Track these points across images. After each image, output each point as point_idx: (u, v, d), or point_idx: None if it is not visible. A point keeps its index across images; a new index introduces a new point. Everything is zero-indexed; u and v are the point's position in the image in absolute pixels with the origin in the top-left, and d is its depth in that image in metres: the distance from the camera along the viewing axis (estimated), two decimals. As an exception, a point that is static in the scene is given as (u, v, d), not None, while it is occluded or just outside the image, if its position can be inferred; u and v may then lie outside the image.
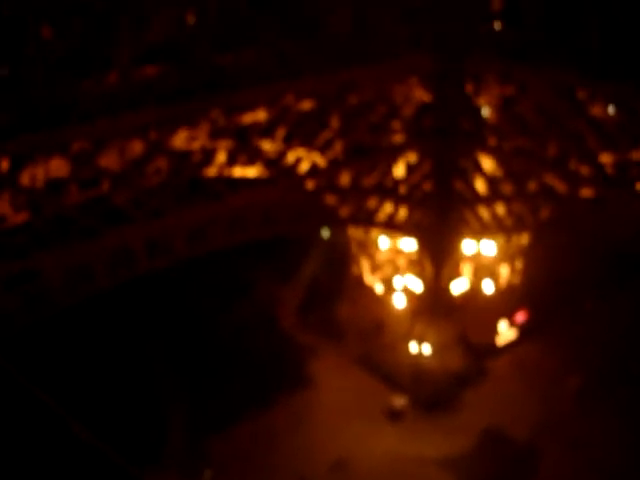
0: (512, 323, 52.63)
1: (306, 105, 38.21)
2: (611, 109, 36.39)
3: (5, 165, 29.53)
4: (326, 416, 45.82)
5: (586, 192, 38.16)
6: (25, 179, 30.92)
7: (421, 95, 42.23)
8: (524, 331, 53.05)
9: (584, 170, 37.03)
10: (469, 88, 41.22)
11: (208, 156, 35.92)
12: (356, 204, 44.12)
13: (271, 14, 32.55)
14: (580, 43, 34.28)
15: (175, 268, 37.15)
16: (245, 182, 36.59)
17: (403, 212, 46.40)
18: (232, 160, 35.91)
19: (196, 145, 35.21)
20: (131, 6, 28.00)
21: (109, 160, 33.10)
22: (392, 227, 47.55)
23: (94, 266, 32.64)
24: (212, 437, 44.05)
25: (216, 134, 34.20)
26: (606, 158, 36.68)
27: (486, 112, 41.96)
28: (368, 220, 45.67)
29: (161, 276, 39.12)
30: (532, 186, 41.52)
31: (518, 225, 44.43)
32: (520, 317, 53.13)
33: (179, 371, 48.58)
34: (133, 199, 32.98)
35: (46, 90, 27.59)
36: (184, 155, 34.84)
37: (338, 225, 50.29)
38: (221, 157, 37.45)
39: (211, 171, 35.84)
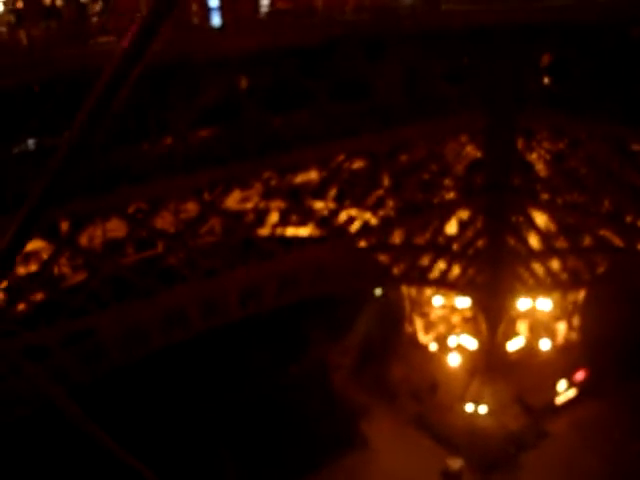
0: (571, 382, 51.22)
1: (357, 164, 38.65)
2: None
3: (65, 226, 30.45)
4: (380, 478, 44.92)
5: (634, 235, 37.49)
6: (84, 240, 31.80)
7: (472, 152, 42.39)
8: (584, 390, 51.55)
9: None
10: (520, 143, 41.24)
11: (261, 216, 36.48)
12: (409, 262, 44.00)
13: (322, 78, 33.26)
14: (630, 95, 34.11)
15: (229, 327, 37.35)
16: (297, 241, 36.91)
17: (456, 269, 46.11)
18: (284, 220, 36.34)
19: (249, 205, 35.80)
20: (186, 72, 28.96)
21: (164, 221, 33.88)
22: (445, 285, 47.21)
23: (149, 326, 33.07)
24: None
25: (268, 194, 34.73)
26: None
27: (538, 167, 41.81)
28: (421, 278, 45.43)
29: (215, 336, 39.29)
30: (587, 241, 40.93)
31: (574, 281, 43.64)
32: (579, 376, 51.72)
33: (232, 433, 48.34)
34: (187, 259, 33.52)
35: (105, 153, 28.50)
36: (237, 215, 35.43)
37: (391, 283, 50.15)
38: (274, 217, 37.99)
39: (264, 231, 36.32)
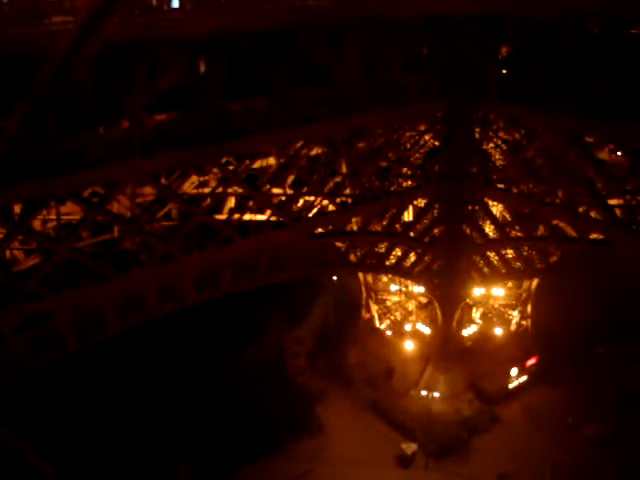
0: (523, 368, 52.18)
1: (316, 151, 38.62)
2: (619, 153, 36.63)
3: (18, 210, 29.89)
4: (336, 463, 45.20)
5: (595, 235, 38.17)
6: (37, 224, 31.26)
7: (430, 140, 42.63)
8: (535, 376, 52.57)
9: (593, 213, 37.09)
10: (477, 133, 41.61)
11: (218, 201, 36.25)
12: (366, 249, 44.20)
13: (281, 64, 33.05)
14: (587, 88, 34.60)
15: (185, 312, 37.13)
16: (255, 227, 36.77)
17: (413, 257, 46.46)
18: (242, 205, 36.16)
19: (206, 190, 35.55)
20: (144, 54, 28.50)
21: (121, 205, 33.46)
22: (402, 272, 47.55)
23: (104, 311, 32.68)
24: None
25: (226, 180, 34.49)
26: (615, 201, 36.80)
27: (495, 157, 42.26)
28: (378, 265, 45.67)
29: (170, 320, 39.03)
30: (541, 230, 41.58)
31: (528, 269, 44.30)
32: (531, 362, 52.71)
33: (187, 418, 48.15)
34: (143, 244, 33.18)
35: (59, 136, 27.96)
36: (194, 200, 35.15)
37: (348, 270, 50.31)
38: (231, 202, 37.80)
39: (221, 216, 36.09)
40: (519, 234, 42.64)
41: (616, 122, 33.82)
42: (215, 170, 34.92)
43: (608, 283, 41.33)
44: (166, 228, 34.75)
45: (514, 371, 51.58)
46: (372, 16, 34.62)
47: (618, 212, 36.76)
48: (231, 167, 34.96)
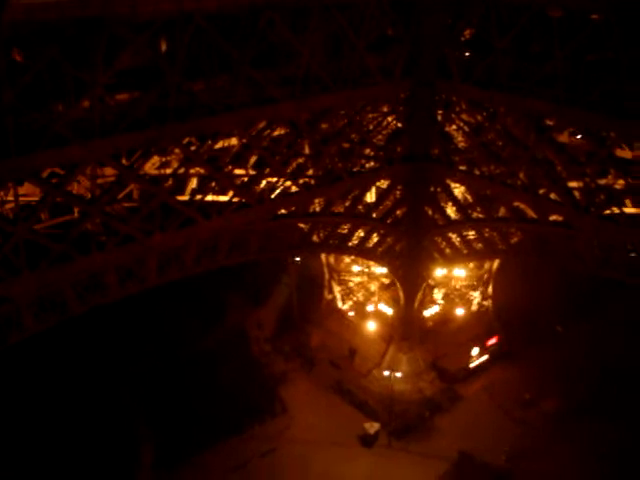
0: (484, 347, 52.90)
1: (278, 132, 38.39)
2: (579, 136, 37.06)
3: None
4: (300, 443, 45.52)
5: (555, 217, 38.65)
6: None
7: (393, 122, 42.66)
8: (496, 355, 53.36)
9: (553, 196, 37.54)
10: (440, 115, 41.75)
11: (180, 182, 35.90)
12: (328, 230, 44.23)
13: (245, 44, 32.72)
14: (548, 72, 34.87)
15: (147, 293, 36.89)
16: (217, 208, 36.52)
17: (375, 238, 46.62)
18: (204, 186, 35.88)
19: (168, 171, 35.16)
20: (104, 32, 28.00)
21: (81, 186, 32.97)
22: (364, 253, 47.70)
23: (65, 293, 32.29)
24: (183, 466, 43.60)
25: (188, 160, 34.16)
26: (574, 184, 37.28)
27: (457, 139, 42.48)
28: (340, 246, 45.76)
29: (133, 302, 38.79)
30: (502, 211, 42.01)
31: (489, 250, 44.76)
32: (492, 341, 53.46)
33: (150, 399, 48.07)
34: (104, 225, 32.77)
35: (17, 115, 27.39)
36: (156, 181, 34.75)
37: (311, 251, 50.32)
38: (193, 183, 37.49)
39: (183, 197, 35.79)
40: (480, 215, 43.00)
41: (576, 106, 34.23)
42: (177, 150, 34.54)
43: (567, 264, 41.96)
44: (127, 209, 34.37)
45: (475, 350, 52.28)
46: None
47: (577, 194, 37.27)
48: (193, 147, 34.58)
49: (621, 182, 35.03)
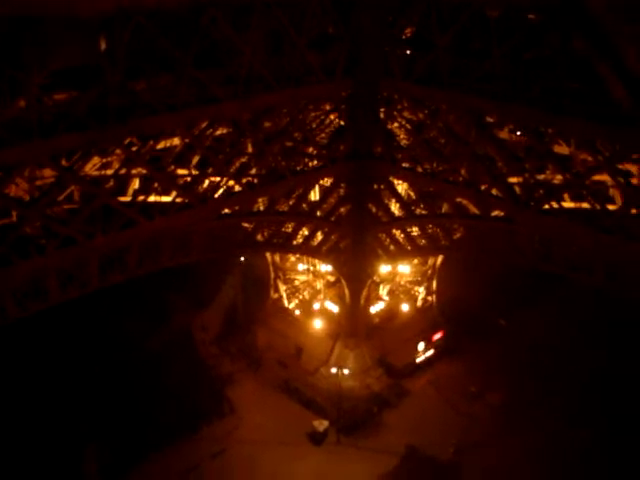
0: (429, 342, 53.47)
1: (221, 131, 38.11)
2: (519, 133, 37.71)
3: None
4: (249, 443, 45.30)
5: (497, 212, 39.30)
6: None
7: (335, 120, 42.77)
8: (441, 350, 53.99)
9: (494, 191, 38.13)
10: (382, 113, 42.00)
11: (121, 183, 35.33)
12: (273, 229, 44.14)
13: (186, 43, 32.37)
14: (488, 69, 35.39)
15: (91, 296, 36.27)
16: (160, 209, 36.08)
17: (320, 236, 46.69)
18: (146, 186, 35.39)
19: (109, 172, 34.56)
20: (40, 30, 27.36)
21: (18, 188, 32.14)
22: (309, 251, 47.75)
23: (4, 298, 31.51)
24: (131, 472, 42.94)
25: (130, 160, 33.62)
26: (515, 179, 37.94)
27: (400, 136, 42.80)
28: (285, 245, 45.70)
29: (77, 304, 38.08)
30: (445, 208, 42.52)
31: (433, 246, 45.26)
32: (437, 336, 54.07)
33: (96, 403, 47.23)
34: (44, 228, 32.05)
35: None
36: (97, 182, 34.12)
37: (255, 250, 50.11)
38: (135, 184, 36.93)
39: (125, 198, 35.22)
40: (424, 212, 43.43)
41: (515, 103, 34.84)
42: (118, 151, 34.01)
43: (508, 259, 42.78)
44: (67, 211, 33.67)
45: (421, 345, 52.81)
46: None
47: (517, 190, 37.95)
48: (135, 148, 34.08)
49: (559, 177, 35.79)
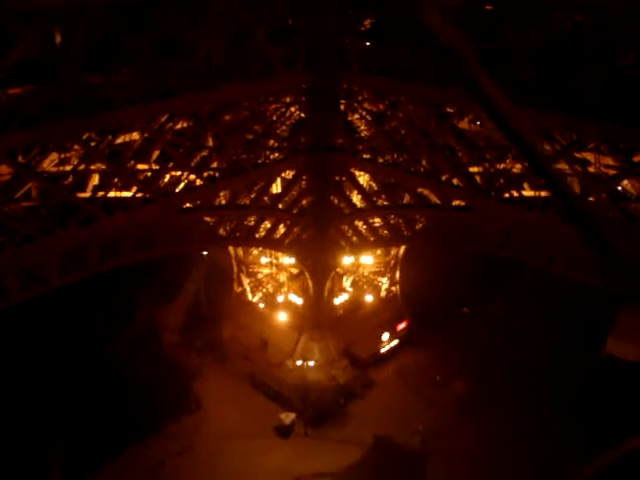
0: (394, 333, 53.83)
1: (180, 125, 37.79)
2: (478, 123, 38.00)
3: None
4: (216, 437, 45.21)
5: (458, 202, 39.62)
6: None
7: (296, 112, 42.68)
8: (406, 340, 54.39)
9: (455, 181, 38.43)
10: (343, 104, 42.02)
11: (81, 179, 34.89)
12: (235, 222, 43.94)
13: (144, 35, 32.00)
14: (445, 61, 35.57)
15: (53, 293, 35.74)
16: (120, 204, 35.70)
17: (282, 228, 46.63)
18: (106, 182, 34.96)
19: (68, 168, 34.08)
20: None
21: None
22: (271, 244, 47.66)
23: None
24: (98, 471, 42.52)
25: (88, 156, 33.18)
26: (475, 169, 38.27)
27: (361, 128, 42.87)
28: (247, 238, 45.55)
29: (39, 302, 37.50)
30: (407, 198, 42.75)
31: (395, 237, 45.49)
32: (401, 326, 54.44)
33: (61, 400, 46.63)
34: (1, 226, 31.52)
35: None
36: (55, 178, 33.63)
37: (218, 244, 49.88)
38: (95, 179, 36.47)
39: (84, 194, 34.77)
40: (386, 203, 43.63)
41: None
42: (77, 146, 33.52)
43: (470, 248, 43.18)
44: (26, 208, 33.14)
45: (385, 336, 53.15)
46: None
47: (478, 179, 38.29)
48: (93, 143, 33.62)
49: (519, 166, 36.16)
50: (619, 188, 34.43)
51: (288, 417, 46.28)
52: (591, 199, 33.45)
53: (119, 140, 34.92)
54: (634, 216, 33.09)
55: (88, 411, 45.85)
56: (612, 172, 33.07)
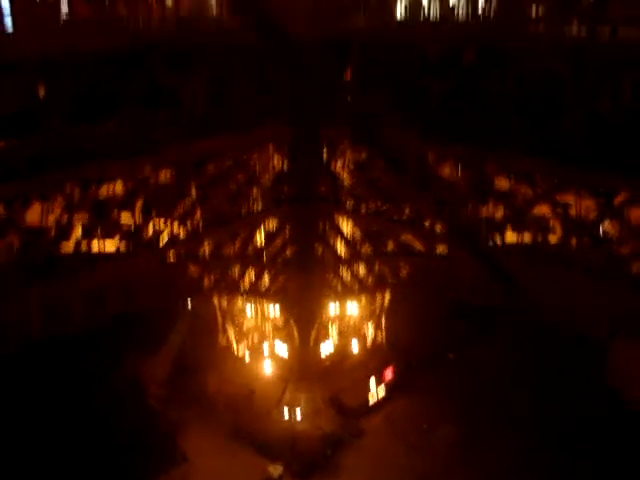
0: (381, 380, 53.41)
1: (164, 175, 37.96)
2: (460, 169, 38.45)
3: None
4: (201, 493, 44.40)
5: (442, 249, 39.81)
6: None
7: (279, 162, 43.04)
8: (393, 387, 53.96)
9: (438, 228, 38.69)
10: (325, 153, 42.42)
11: (63, 231, 34.81)
12: (219, 273, 43.88)
13: (128, 87, 32.36)
14: (426, 107, 36.22)
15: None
16: (104, 256, 35.59)
17: (266, 278, 46.56)
18: (89, 234, 34.92)
19: (50, 220, 34.03)
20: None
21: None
22: (256, 294, 47.53)
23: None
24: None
25: (71, 207, 33.20)
26: (457, 215, 38.57)
27: (343, 176, 43.22)
28: (232, 289, 45.45)
29: (20, 354, 37.00)
30: (391, 246, 42.90)
31: (379, 284, 45.57)
32: (388, 374, 54.06)
33: (44, 452, 45.72)
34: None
35: None
36: (38, 231, 33.55)
37: (202, 295, 49.67)
38: (77, 231, 36.38)
39: (67, 246, 34.67)
40: (369, 251, 43.80)
41: (455, 140, 35.71)
42: (59, 198, 33.52)
43: (453, 295, 43.33)
44: (4, 262, 32.93)
45: (373, 383, 52.70)
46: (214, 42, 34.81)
47: (460, 225, 38.53)
48: (77, 194, 33.66)
49: (500, 212, 36.55)
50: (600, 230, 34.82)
51: (276, 470, 45.48)
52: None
53: (103, 190, 34.98)
54: (615, 257, 33.47)
55: (72, 464, 44.98)
56: (593, 214, 33.55)
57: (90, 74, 30.20)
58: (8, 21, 30.11)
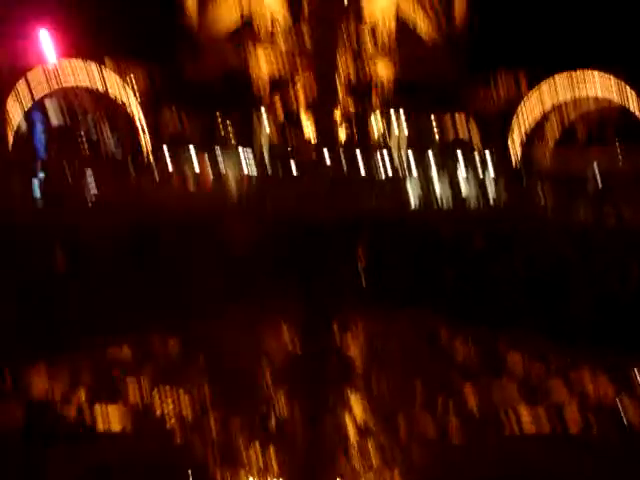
0: None
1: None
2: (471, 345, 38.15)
3: None
4: None
5: (453, 429, 38.38)
6: None
7: (289, 342, 42.93)
8: None
9: (451, 405, 37.58)
10: (336, 333, 42.33)
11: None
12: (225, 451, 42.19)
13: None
14: (440, 287, 36.71)
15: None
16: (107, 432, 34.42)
17: (273, 457, 44.56)
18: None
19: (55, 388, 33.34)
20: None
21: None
22: (263, 471, 45.26)
23: None
24: None
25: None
26: (470, 396, 37.62)
27: (353, 355, 42.84)
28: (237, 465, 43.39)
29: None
30: (402, 425, 41.42)
31: (390, 464, 43.50)
32: None
33: None
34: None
35: None
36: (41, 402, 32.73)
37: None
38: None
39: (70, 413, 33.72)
40: (380, 429, 42.37)
41: (467, 320, 35.78)
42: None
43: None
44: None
45: None
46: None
47: (472, 407, 37.48)
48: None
49: (514, 387, 35.82)
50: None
51: None
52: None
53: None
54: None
55: None
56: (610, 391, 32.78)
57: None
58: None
